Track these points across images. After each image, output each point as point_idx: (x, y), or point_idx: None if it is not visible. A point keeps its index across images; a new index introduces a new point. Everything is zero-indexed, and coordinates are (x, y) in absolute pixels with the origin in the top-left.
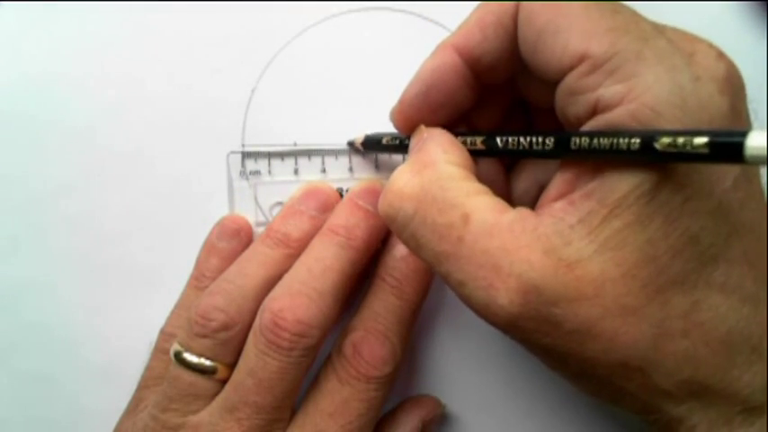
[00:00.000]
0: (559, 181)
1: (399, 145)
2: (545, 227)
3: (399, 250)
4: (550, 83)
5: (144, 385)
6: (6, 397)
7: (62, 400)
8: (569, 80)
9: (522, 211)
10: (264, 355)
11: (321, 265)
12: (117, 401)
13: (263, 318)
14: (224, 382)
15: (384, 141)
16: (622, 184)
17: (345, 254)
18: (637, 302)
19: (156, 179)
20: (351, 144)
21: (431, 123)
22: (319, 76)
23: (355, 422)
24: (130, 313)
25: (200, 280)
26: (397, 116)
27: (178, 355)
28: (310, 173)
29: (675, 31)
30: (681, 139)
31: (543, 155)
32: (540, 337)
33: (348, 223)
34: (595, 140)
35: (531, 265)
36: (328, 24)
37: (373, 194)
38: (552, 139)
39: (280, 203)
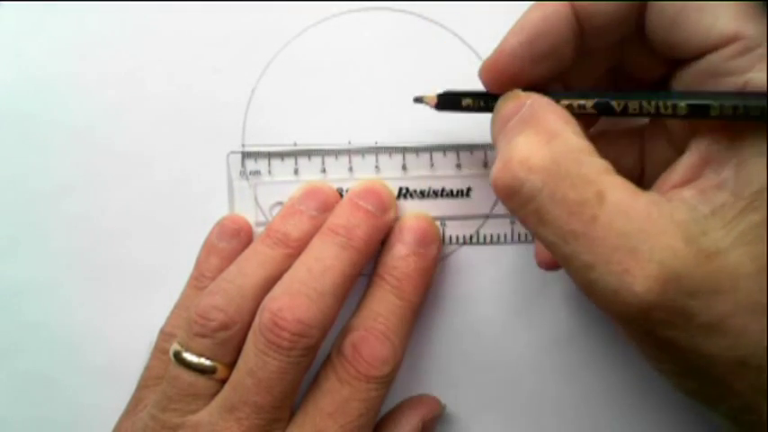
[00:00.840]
0: (685, 166)
1: (484, 107)
2: (681, 213)
3: (399, 250)
4: (679, 59)
5: (143, 385)
6: (6, 397)
7: (62, 399)
8: (714, 59)
9: (654, 195)
10: (264, 354)
11: (321, 265)
12: (117, 401)
13: (262, 317)
14: (223, 381)
15: (464, 103)
16: (760, 177)
17: (345, 254)
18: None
19: (156, 179)
20: (419, 100)
21: (528, 79)
22: (319, 76)
23: (355, 422)
24: (130, 313)
25: (200, 280)
26: (491, 68)
27: (178, 355)
28: (310, 173)
29: None
30: None
31: (669, 117)
32: (667, 330)
33: (348, 223)
34: (741, 108)
35: (674, 253)
36: (328, 24)
37: (373, 194)
38: (684, 105)
39: (280, 203)
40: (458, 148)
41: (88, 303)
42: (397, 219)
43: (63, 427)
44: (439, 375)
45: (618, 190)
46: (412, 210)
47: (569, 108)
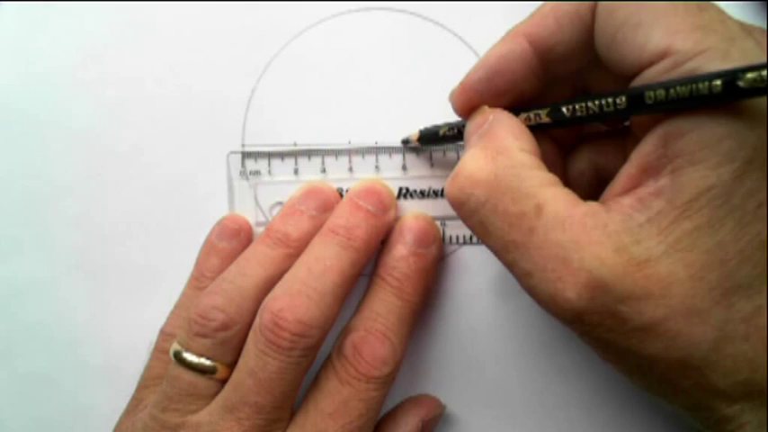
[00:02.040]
0: (625, 175)
1: (458, 134)
2: (615, 224)
3: (399, 250)
4: (624, 77)
5: (144, 385)
6: (6, 397)
7: (62, 399)
8: (648, 76)
9: (593, 206)
10: (264, 354)
11: (321, 265)
12: (117, 401)
13: (262, 317)
14: (224, 381)
15: (441, 133)
16: (693, 185)
17: (345, 254)
18: (702, 305)
19: (156, 179)
20: (405, 142)
21: (495, 106)
22: (319, 76)
23: (355, 422)
24: (130, 313)
25: (200, 280)
26: (457, 98)
27: (178, 355)
28: (310, 173)
29: (763, 31)
30: (766, 72)
31: (615, 116)
32: (603, 332)
33: (348, 223)
34: (673, 90)
35: (601, 262)
36: (328, 24)
37: (373, 194)
38: (624, 97)
39: (280, 203)
40: (457, 149)
41: (88, 303)
42: (397, 219)
43: (63, 428)
44: (439, 375)
45: (557, 202)
46: (412, 210)
47: (527, 120)
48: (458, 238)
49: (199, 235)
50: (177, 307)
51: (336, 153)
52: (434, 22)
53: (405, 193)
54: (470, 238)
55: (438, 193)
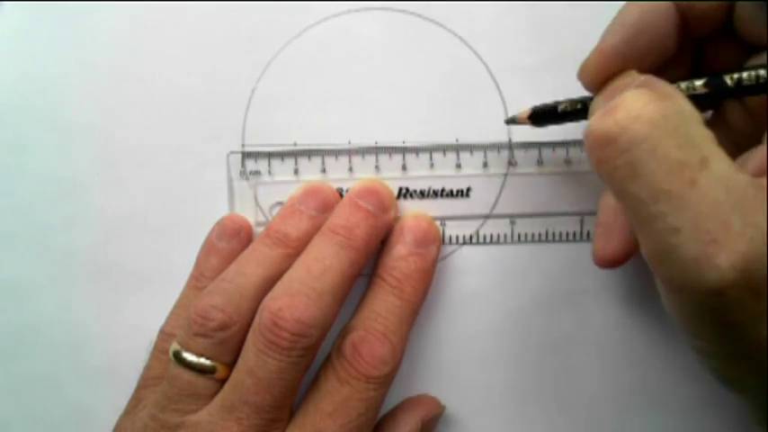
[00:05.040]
0: (763, 155)
1: (582, 110)
2: None
3: (399, 250)
4: (756, 49)
5: (143, 385)
6: (6, 398)
7: (62, 400)
8: None
9: (751, 178)
10: (264, 354)
11: (321, 265)
12: (116, 401)
13: (262, 317)
14: (223, 381)
15: (561, 109)
16: None
17: (345, 254)
18: None
19: (156, 179)
20: (511, 121)
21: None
22: (319, 76)
23: (355, 422)
24: (130, 313)
25: (200, 280)
26: (593, 68)
27: (177, 355)
28: (310, 173)
29: None
30: None
31: None
32: (733, 311)
33: (348, 223)
34: None
35: (763, 233)
36: (328, 24)
37: (373, 194)
38: None
39: (280, 203)
40: (458, 148)
41: (88, 303)
42: (397, 219)
43: (63, 428)
44: (439, 375)
45: (722, 161)
46: (412, 210)
47: (680, 89)
48: (458, 238)
49: (199, 235)
50: (177, 307)
51: (336, 153)
52: (434, 22)
53: (405, 193)
54: (470, 238)
55: (438, 193)
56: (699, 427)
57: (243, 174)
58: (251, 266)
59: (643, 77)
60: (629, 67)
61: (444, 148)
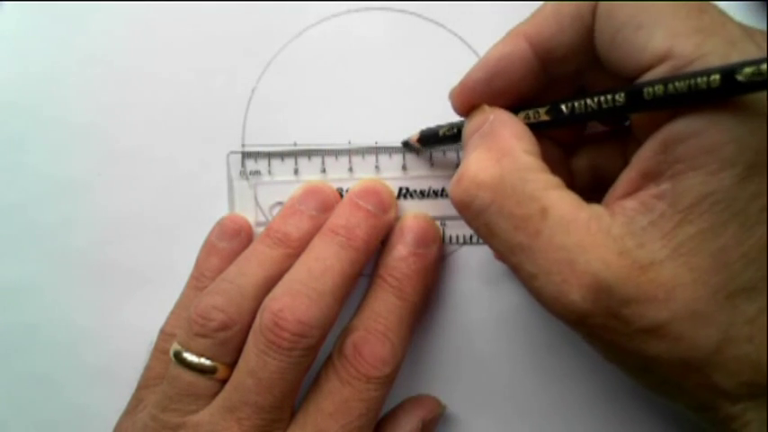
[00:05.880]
0: (627, 179)
1: (458, 134)
2: (618, 227)
3: (399, 250)
4: (624, 79)
5: (143, 385)
6: (6, 398)
7: (62, 400)
8: (648, 79)
9: (597, 209)
10: (264, 354)
11: (321, 265)
12: (117, 401)
13: (263, 317)
14: (224, 381)
15: (441, 133)
16: (694, 190)
17: (345, 254)
18: (706, 308)
19: (156, 179)
20: (406, 144)
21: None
22: (319, 76)
23: (355, 422)
24: (130, 313)
25: (200, 280)
26: (456, 97)
27: (178, 355)
28: (310, 173)
29: (764, 34)
30: (765, 66)
31: (614, 112)
32: (606, 334)
33: (348, 223)
34: (671, 85)
35: (606, 265)
36: (328, 24)
37: (373, 194)
38: (623, 94)
39: (280, 203)
40: (457, 149)
41: (88, 303)
42: (397, 219)
43: (63, 428)
44: (439, 375)
45: (562, 205)
46: (412, 210)
47: (526, 118)
48: (458, 237)
49: (199, 235)
50: (177, 307)
51: (336, 153)
52: (434, 22)
53: (405, 193)
54: (470, 238)
55: (438, 193)
56: (699, 427)
57: (243, 174)
58: (251, 267)
59: (491, 117)
60: (486, 100)
61: (445, 148)
